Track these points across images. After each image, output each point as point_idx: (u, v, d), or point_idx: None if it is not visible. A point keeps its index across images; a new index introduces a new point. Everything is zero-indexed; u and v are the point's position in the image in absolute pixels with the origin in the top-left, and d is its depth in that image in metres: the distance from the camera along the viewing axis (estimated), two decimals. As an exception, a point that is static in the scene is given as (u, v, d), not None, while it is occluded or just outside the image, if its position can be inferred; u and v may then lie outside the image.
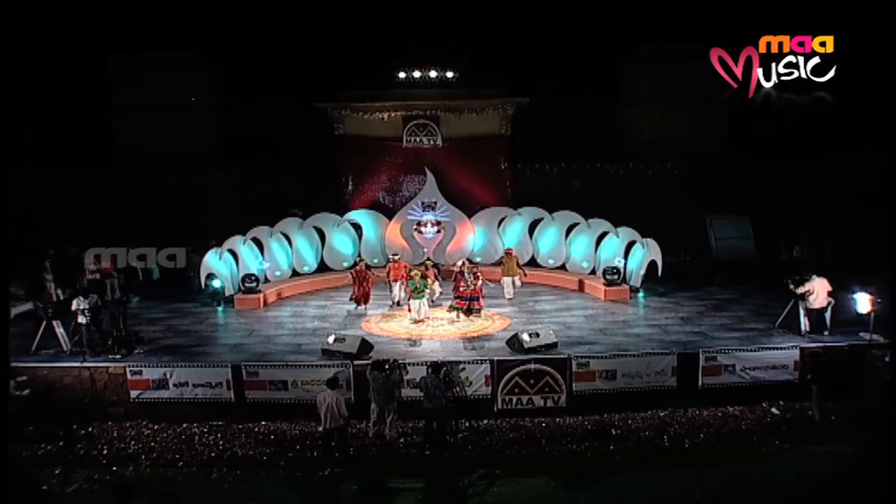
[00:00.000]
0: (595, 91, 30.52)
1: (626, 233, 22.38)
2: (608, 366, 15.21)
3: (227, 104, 30.06)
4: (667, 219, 24.61)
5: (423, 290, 18.73)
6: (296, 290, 22.83)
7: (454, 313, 18.89)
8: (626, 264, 21.89)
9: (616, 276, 21.23)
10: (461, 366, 14.94)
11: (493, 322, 18.70)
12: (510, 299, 21.12)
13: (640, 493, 12.03)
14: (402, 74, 27.19)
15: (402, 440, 13.93)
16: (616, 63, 31.25)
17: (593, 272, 23.13)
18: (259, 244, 22.68)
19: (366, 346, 15.81)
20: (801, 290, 16.73)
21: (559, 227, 24.40)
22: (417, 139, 26.11)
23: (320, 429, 13.27)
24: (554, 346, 15.90)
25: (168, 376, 15.05)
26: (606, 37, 30.26)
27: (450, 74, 27.38)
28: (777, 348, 15.62)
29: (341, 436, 13.13)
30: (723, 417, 14.88)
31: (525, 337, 15.70)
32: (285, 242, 23.64)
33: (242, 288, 21.05)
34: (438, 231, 25.33)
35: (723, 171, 27.48)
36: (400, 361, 14.58)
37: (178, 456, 13.48)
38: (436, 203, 25.52)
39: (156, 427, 14.74)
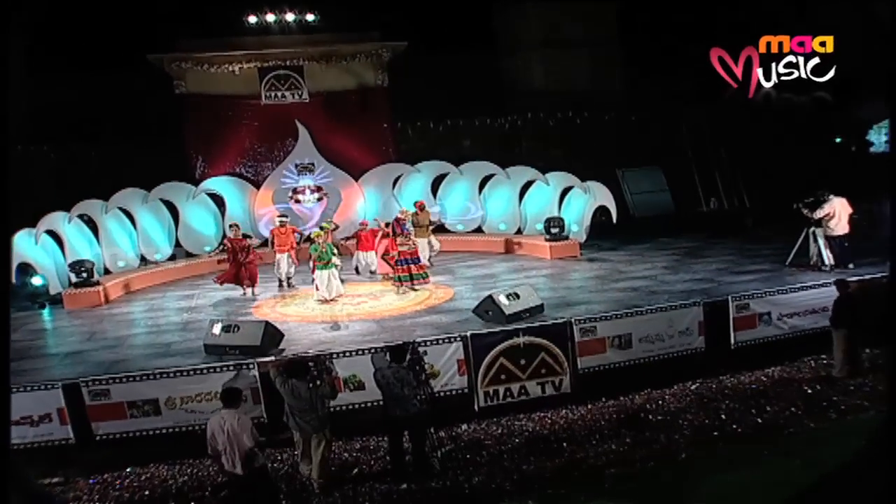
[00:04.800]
0: (475, 41, 26.63)
1: (559, 178, 18.52)
2: (620, 329, 11.01)
3: (37, 66, 23.39)
4: (575, 174, 20.98)
5: (330, 258, 13.83)
6: (148, 282, 17.24)
7: (401, 286, 14.37)
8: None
9: (560, 230, 17.24)
10: (420, 349, 10.23)
11: (434, 292, 14.11)
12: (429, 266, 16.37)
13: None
14: (252, 19, 22.00)
15: (355, 470, 9.07)
16: (491, 8, 27.40)
17: (519, 231, 19.13)
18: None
19: (273, 333, 10.76)
20: (819, 215, 13.54)
21: (470, 182, 20.17)
22: (279, 94, 21.15)
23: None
24: (540, 309, 11.56)
25: (-41, 413, 9.43)
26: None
27: (310, 17, 22.47)
28: (819, 286, 11.99)
29: (260, 480, 7.79)
30: (773, 383, 11.06)
31: (503, 300, 11.21)
32: (127, 221, 17.94)
33: (73, 280, 15.27)
34: (320, 198, 20.58)
35: (628, 120, 24.24)
36: (327, 361, 9.64)
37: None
38: (313, 164, 20.73)
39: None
